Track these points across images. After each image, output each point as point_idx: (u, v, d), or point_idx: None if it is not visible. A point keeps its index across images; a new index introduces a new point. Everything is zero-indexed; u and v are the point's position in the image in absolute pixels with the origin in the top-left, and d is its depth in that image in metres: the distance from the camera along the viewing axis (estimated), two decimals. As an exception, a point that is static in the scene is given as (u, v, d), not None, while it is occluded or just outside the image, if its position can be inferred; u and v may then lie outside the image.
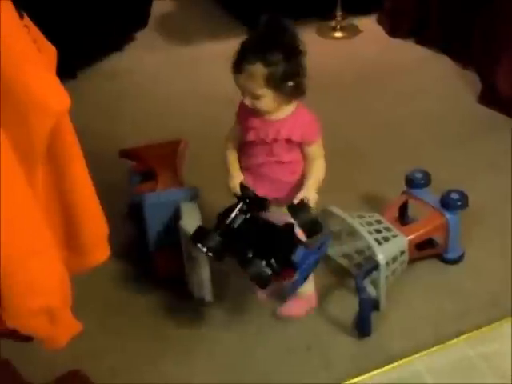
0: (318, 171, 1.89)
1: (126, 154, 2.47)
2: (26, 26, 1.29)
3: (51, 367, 1.85)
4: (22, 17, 1.29)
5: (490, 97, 3.06)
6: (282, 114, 1.86)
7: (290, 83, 1.81)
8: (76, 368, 1.86)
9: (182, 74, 3.45)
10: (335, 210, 2.15)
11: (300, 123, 1.87)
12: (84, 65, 3.41)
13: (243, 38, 3.60)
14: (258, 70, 1.77)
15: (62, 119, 1.30)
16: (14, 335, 1.42)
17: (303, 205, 1.81)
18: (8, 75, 1.18)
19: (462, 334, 1.99)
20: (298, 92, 1.86)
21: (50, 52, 1.38)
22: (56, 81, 1.28)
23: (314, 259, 1.85)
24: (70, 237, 1.46)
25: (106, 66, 3.51)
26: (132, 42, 3.73)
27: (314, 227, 1.80)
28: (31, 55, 1.23)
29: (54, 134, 1.30)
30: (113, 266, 2.18)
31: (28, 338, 1.46)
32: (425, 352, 1.94)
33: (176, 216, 2.08)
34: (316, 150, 1.89)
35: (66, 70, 2.95)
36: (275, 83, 1.77)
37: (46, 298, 1.34)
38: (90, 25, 3.33)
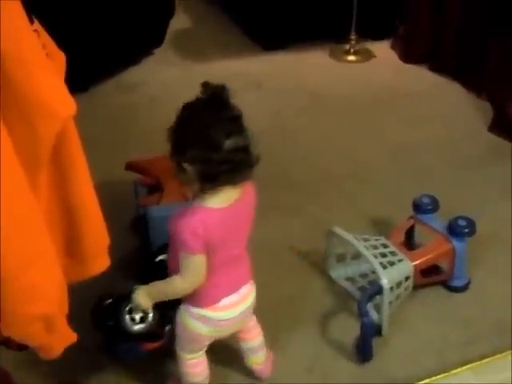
0: (166, 283, 1.64)
1: (131, 166, 2.46)
2: (35, 30, 1.28)
3: (49, 379, 1.82)
4: (32, 21, 1.28)
5: (501, 125, 3.04)
6: None
7: None
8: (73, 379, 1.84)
9: (195, 90, 3.41)
10: (340, 231, 2.13)
11: None
12: (99, 78, 3.41)
13: (257, 57, 3.71)
14: None
15: (68, 125, 1.29)
16: (9, 344, 1.39)
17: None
18: (15, 78, 1.18)
19: (467, 363, 1.94)
20: None
21: (58, 58, 1.38)
22: (63, 86, 1.27)
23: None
24: (71, 244, 1.45)
25: (122, 79, 3.51)
26: (149, 56, 3.74)
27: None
28: (39, 60, 1.22)
29: (59, 140, 1.29)
30: (115, 278, 2.14)
31: (21, 347, 1.43)
32: (427, 380, 1.90)
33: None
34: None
35: (79, 83, 2.94)
36: None
37: (43, 304, 1.33)
38: (107, 38, 3.34)
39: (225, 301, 1.64)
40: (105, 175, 2.28)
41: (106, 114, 3.17)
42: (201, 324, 1.64)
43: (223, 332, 1.71)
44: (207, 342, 1.72)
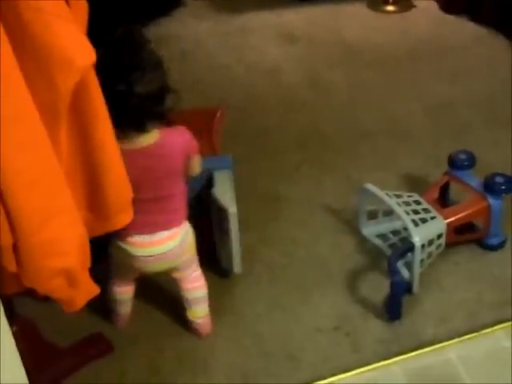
0: None
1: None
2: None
3: (73, 330, 1.84)
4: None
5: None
6: None
7: None
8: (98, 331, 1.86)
9: (228, 42, 3.42)
10: (372, 188, 2.09)
11: None
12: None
13: (292, 9, 3.63)
14: None
15: (88, 75, 1.26)
16: (32, 295, 1.40)
17: None
18: (31, 26, 1.16)
19: (499, 323, 1.92)
20: None
21: (80, 6, 1.34)
22: (82, 35, 1.25)
23: None
24: (94, 199, 1.44)
25: (155, 31, 3.46)
26: (181, 7, 3.69)
27: None
28: (57, 8, 1.19)
29: (79, 91, 1.27)
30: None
31: (47, 298, 1.44)
32: (458, 339, 1.88)
33: (209, 185, 2.04)
34: None
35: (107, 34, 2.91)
36: None
37: (64, 259, 1.34)
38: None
39: (136, 238, 1.71)
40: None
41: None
42: (117, 252, 1.76)
43: (142, 268, 1.78)
44: (131, 273, 1.83)
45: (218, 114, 2.39)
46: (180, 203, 1.76)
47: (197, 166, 1.81)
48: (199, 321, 1.89)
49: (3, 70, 1.12)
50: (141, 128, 1.60)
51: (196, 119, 2.36)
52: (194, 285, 1.87)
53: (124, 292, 1.89)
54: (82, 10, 1.36)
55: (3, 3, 1.12)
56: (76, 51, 1.20)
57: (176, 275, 1.84)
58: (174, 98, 1.64)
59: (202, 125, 2.32)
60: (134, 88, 1.53)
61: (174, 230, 1.74)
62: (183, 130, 1.72)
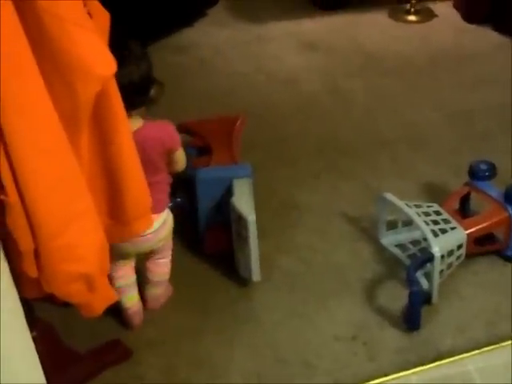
0: None
1: (182, 128, 2.45)
2: (77, -13, 1.26)
3: (92, 335, 1.85)
4: (73, -22, 1.26)
5: None
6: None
7: None
8: (115, 338, 1.87)
9: (247, 51, 3.43)
10: (391, 197, 2.09)
11: None
12: (154, 38, 3.41)
13: (312, 17, 3.64)
14: None
15: (108, 85, 1.28)
16: (52, 300, 1.42)
17: None
18: (53, 36, 1.18)
19: (518, 335, 1.91)
20: None
21: (101, 17, 1.37)
22: (103, 45, 1.27)
23: None
24: (114, 205, 1.46)
25: (176, 40, 3.51)
26: (203, 17, 3.71)
27: None
28: (79, 18, 1.21)
29: (100, 100, 1.29)
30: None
31: (66, 303, 1.45)
32: (476, 351, 1.87)
33: (228, 193, 2.05)
34: None
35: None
36: None
37: (83, 264, 1.35)
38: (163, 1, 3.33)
39: None
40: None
41: (161, 75, 3.16)
42: None
43: (127, 248, 1.80)
44: (125, 255, 1.87)
45: (238, 123, 2.39)
46: (161, 193, 1.82)
47: (180, 161, 1.89)
48: (153, 298, 1.98)
49: (24, 78, 1.14)
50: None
51: (216, 127, 2.38)
52: (162, 269, 1.98)
53: (124, 276, 1.91)
54: (104, 20, 1.39)
55: (27, 12, 1.14)
56: (97, 61, 1.22)
57: (150, 257, 1.94)
58: (158, 89, 1.75)
59: (223, 133, 2.34)
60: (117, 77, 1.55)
61: (155, 215, 1.76)
62: (165, 125, 1.81)
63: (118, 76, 1.50)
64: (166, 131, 1.80)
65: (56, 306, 1.58)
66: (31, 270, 1.31)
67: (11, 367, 1.30)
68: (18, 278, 1.34)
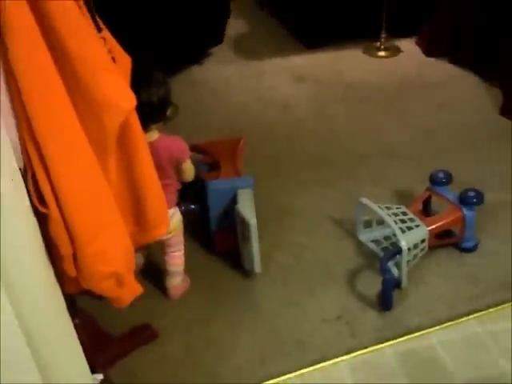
0: None
1: (195, 148, 2.44)
2: (103, 37, 1.27)
3: (124, 321, 1.84)
4: (100, 30, 1.27)
5: (510, 109, 2.90)
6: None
7: None
8: (143, 323, 1.86)
9: (248, 83, 3.42)
10: (367, 201, 2.08)
11: None
12: (169, 74, 3.39)
13: (301, 54, 3.64)
14: None
15: (130, 116, 1.27)
16: (89, 294, 1.41)
17: None
18: (83, 78, 1.17)
19: (473, 313, 1.89)
20: None
21: (124, 60, 1.36)
22: (125, 84, 1.26)
23: None
24: (137, 216, 1.46)
25: (189, 75, 3.50)
26: (209, 56, 3.70)
27: None
28: (104, 62, 1.21)
29: (124, 130, 1.28)
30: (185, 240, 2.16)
31: (101, 297, 1.44)
32: (439, 327, 1.86)
33: (234, 201, 2.04)
34: None
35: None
36: None
37: (113, 264, 1.34)
38: (175, 41, 3.31)
39: None
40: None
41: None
42: None
43: None
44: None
45: (241, 143, 2.39)
46: (169, 194, 1.79)
47: (187, 172, 1.89)
48: (172, 287, 1.98)
49: (60, 113, 1.14)
50: (143, 127, 1.59)
51: (223, 147, 2.38)
52: (175, 261, 1.97)
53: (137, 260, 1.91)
54: (126, 63, 1.39)
55: (62, 59, 1.14)
56: (120, 98, 1.22)
57: (165, 250, 1.95)
58: (173, 109, 1.78)
59: (228, 152, 2.33)
60: (139, 97, 1.55)
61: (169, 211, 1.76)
62: (176, 139, 1.82)
63: (142, 96, 1.56)
64: (176, 143, 1.80)
65: (93, 299, 1.57)
66: (71, 270, 1.30)
67: (57, 350, 1.30)
68: (61, 277, 1.34)
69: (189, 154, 1.85)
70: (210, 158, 2.37)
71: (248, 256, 2.00)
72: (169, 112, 1.76)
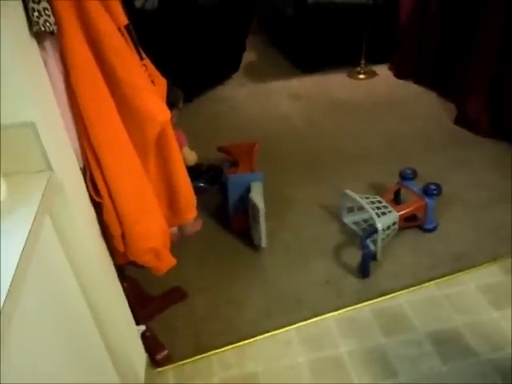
0: None
1: (221, 149, 2.43)
2: (144, 65, 1.24)
3: (161, 284, 1.83)
4: (142, 58, 1.23)
5: (462, 120, 2.83)
6: None
7: None
8: (176, 285, 1.85)
9: (258, 100, 3.38)
10: (349, 192, 2.04)
11: None
12: (199, 93, 3.37)
13: (298, 78, 3.59)
14: None
15: (166, 126, 1.25)
16: (134, 264, 1.39)
17: None
18: (130, 98, 1.15)
19: (432, 279, 1.86)
20: None
21: (161, 83, 1.33)
22: (162, 102, 1.23)
23: None
24: (171, 203, 1.43)
25: (214, 94, 3.47)
26: (229, 79, 3.65)
27: None
28: (146, 85, 1.18)
29: (161, 136, 1.26)
30: (209, 222, 2.16)
31: (142, 266, 1.43)
32: (405, 290, 1.83)
33: (248, 191, 2.02)
34: None
35: (187, 97, 2.92)
36: None
37: (153, 241, 1.32)
38: (203, 69, 3.28)
39: None
40: (204, 154, 2.31)
41: (204, 116, 3.15)
42: None
43: None
44: None
45: (256, 146, 2.36)
46: None
47: (186, 157, 1.86)
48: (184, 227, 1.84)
49: (110, 124, 1.12)
50: None
51: (242, 149, 2.36)
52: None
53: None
54: (163, 85, 1.35)
55: (112, 81, 1.11)
56: (158, 113, 1.19)
57: None
58: (177, 112, 1.84)
59: (246, 153, 2.30)
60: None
61: None
62: (178, 131, 1.77)
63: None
64: (176, 134, 1.76)
65: (137, 268, 1.55)
66: (120, 246, 1.28)
67: (109, 306, 1.29)
68: (112, 252, 1.32)
69: (184, 143, 1.84)
70: (232, 157, 2.35)
71: (257, 234, 1.98)
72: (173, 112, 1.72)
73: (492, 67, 2.60)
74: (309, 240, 2.09)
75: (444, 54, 3.09)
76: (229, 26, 3.28)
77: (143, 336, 1.59)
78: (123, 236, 1.26)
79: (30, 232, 0.85)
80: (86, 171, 1.17)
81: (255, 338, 1.68)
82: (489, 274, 1.84)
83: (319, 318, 1.74)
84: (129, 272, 1.60)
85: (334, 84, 3.53)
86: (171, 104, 1.72)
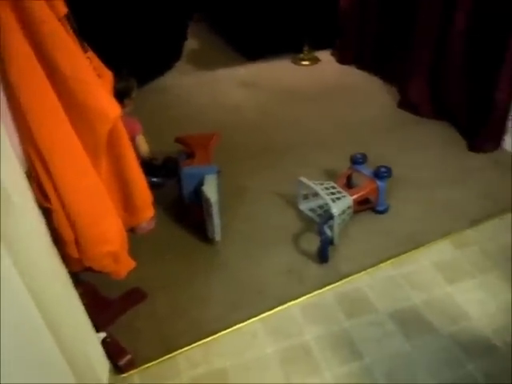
0: None
1: (178, 140, 2.32)
2: (88, 57, 1.14)
3: (119, 287, 1.74)
4: (86, 51, 1.14)
5: (405, 103, 2.91)
6: None
7: None
8: (134, 286, 1.77)
9: (205, 89, 3.29)
10: (304, 180, 2.04)
11: None
12: (141, 83, 3.21)
13: (243, 65, 3.54)
14: None
15: (117, 123, 1.17)
16: (91, 270, 1.31)
17: None
18: (76, 93, 1.06)
19: (388, 259, 1.90)
20: None
21: (107, 76, 1.24)
22: (110, 96, 1.14)
23: None
24: (125, 203, 1.36)
25: (156, 85, 3.34)
26: (171, 69, 3.52)
27: None
28: (92, 79, 1.10)
29: (112, 133, 1.17)
30: (165, 217, 2.09)
31: (99, 272, 1.34)
32: (364, 272, 1.86)
33: (201, 183, 1.96)
34: None
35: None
36: None
37: (111, 244, 1.25)
38: (145, 58, 3.14)
39: None
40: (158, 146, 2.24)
41: (151, 107, 3.02)
42: None
43: None
44: None
45: (214, 138, 2.28)
46: None
47: (141, 145, 1.90)
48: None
49: (56, 123, 1.03)
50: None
51: (199, 140, 2.27)
52: None
53: None
54: (109, 78, 1.27)
55: (57, 78, 1.02)
56: (107, 108, 1.11)
57: None
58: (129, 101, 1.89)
59: (202, 145, 2.22)
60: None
61: None
62: (132, 119, 1.79)
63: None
64: (128, 121, 1.71)
65: (94, 273, 1.46)
66: (74, 253, 1.20)
67: (66, 315, 1.21)
68: (65, 258, 1.23)
69: (139, 132, 1.83)
70: (188, 148, 2.25)
71: (211, 227, 1.93)
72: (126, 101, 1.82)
73: (430, 54, 2.68)
74: (267, 229, 2.07)
75: (384, 40, 3.14)
76: (169, 14, 3.16)
77: (104, 342, 1.51)
78: (77, 241, 1.18)
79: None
80: (31, 175, 1.07)
81: (220, 333, 1.64)
82: (442, 251, 1.91)
83: (283, 306, 1.73)
84: (84, 277, 1.51)
85: (280, 71, 3.50)
86: (124, 94, 1.64)
